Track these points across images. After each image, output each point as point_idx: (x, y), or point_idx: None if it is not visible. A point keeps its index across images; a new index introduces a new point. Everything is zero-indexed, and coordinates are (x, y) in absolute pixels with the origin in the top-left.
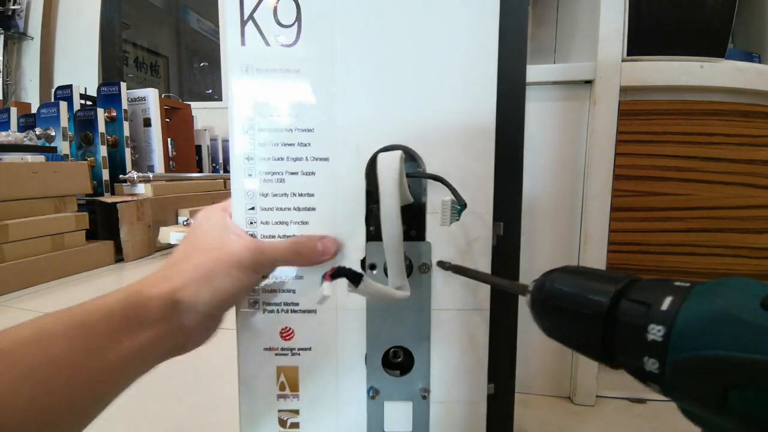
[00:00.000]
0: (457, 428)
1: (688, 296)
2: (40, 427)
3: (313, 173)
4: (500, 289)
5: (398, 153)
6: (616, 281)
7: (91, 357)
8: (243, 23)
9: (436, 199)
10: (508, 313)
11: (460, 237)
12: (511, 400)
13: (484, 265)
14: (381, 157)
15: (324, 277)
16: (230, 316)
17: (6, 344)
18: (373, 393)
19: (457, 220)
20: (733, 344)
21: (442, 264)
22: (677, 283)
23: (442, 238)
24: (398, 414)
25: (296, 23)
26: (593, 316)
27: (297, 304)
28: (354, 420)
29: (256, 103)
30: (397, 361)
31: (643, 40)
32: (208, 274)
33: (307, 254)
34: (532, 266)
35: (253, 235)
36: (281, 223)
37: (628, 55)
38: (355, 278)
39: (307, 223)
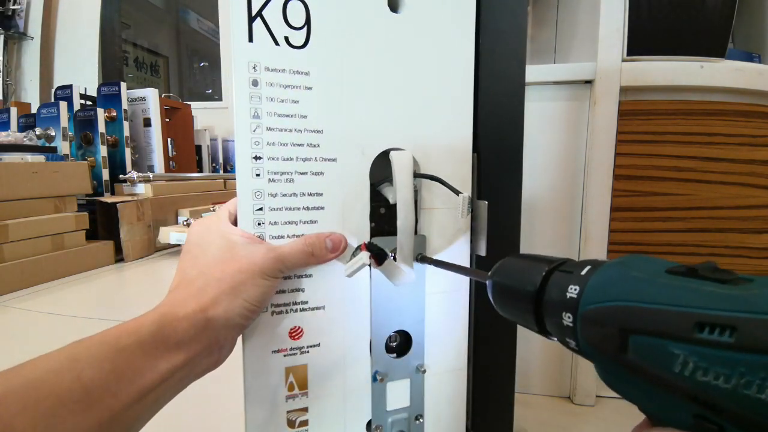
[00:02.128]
0: (445, 394)
1: (603, 265)
2: None
3: (322, 173)
4: (469, 277)
5: (409, 152)
6: (550, 261)
7: (125, 383)
8: (251, 19)
9: (428, 197)
10: None
11: (447, 228)
12: (511, 399)
13: (465, 250)
14: (395, 154)
15: (359, 248)
16: None
17: (38, 374)
18: (380, 377)
19: (470, 212)
20: (636, 297)
21: (424, 259)
22: (600, 260)
23: (433, 231)
24: (397, 392)
25: (306, 26)
26: (529, 291)
27: (306, 303)
28: (359, 405)
29: (264, 101)
30: (392, 345)
31: (643, 40)
32: (235, 287)
33: (318, 253)
34: None
35: (260, 237)
36: (290, 222)
37: (628, 55)
38: (381, 256)
39: (315, 222)
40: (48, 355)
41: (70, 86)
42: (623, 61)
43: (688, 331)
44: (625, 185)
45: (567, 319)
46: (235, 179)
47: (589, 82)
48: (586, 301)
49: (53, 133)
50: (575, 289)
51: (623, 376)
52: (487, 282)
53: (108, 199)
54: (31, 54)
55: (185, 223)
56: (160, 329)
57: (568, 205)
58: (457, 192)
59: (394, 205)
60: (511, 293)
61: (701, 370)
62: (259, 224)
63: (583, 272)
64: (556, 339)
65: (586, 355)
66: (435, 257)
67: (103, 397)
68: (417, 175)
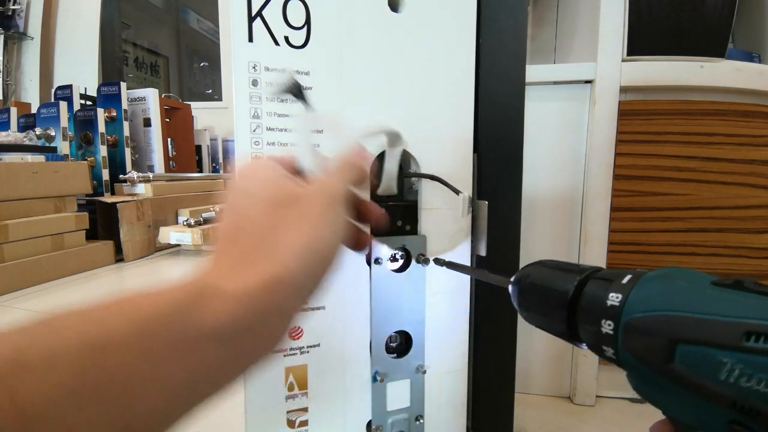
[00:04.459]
0: (445, 394)
1: (647, 274)
2: None
3: None
4: (487, 281)
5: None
6: (581, 271)
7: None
8: (251, 19)
9: (428, 197)
10: (508, 314)
11: (447, 228)
12: (511, 399)
13: (466, 250)
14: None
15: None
16: None
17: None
18: (380, 377)
19: (470, 212)
20: (684, 307)
21: (438, 261)
22: (637, 270)
23: (434, 231)
24: (397, 392)
25: (306, 26)
26: (562, 298)
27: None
28: (359, 405)
29: (264, 101)
30: (393, 345)
31: (643, 40)
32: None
33: (365, 179)
34: None
35: None
36: None
37: (628, 55)
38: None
39: None
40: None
41: (70, 86)
42: (623, 61)
43: (737, 339)
44: (625, 185)
45: (607, 326)
46: None
47: (589, 82)
48: (631, 310)
49: (53, 133)
50: (617, 297)
51: (661, 384)
52: (510, 288)
53: (108, 199)
54: (31, 54)
55: (185, 223)
56: None
57: (568, 205)
58: (457, 191)
59: (395, 205)
60: (540, 300)
61: (746, 376)
62: None
63: (625, 281)
64: (586, 347)
65: (623, 364)
66: (436, 256)
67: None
68: (417, 175)
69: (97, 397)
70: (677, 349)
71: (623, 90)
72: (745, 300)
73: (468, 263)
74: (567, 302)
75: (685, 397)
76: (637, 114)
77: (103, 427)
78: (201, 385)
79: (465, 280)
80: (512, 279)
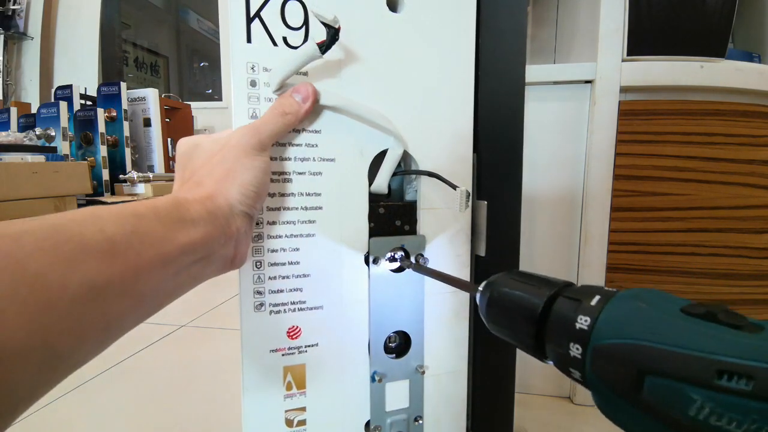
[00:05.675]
0: (445, 395)
1: (614, 296)
2: (90, 311)
3: (320, 173)
4: (454, 286)
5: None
6: (551, 285)
7: (147, 246)
8: (249, 20)
9: (428, 196)
10: None
11: (447, 228)
12: (511, 400)
13: (465, 250)
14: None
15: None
16: (235, 318)
17: (60, 221)
18: (379, 377)
19: (467, 206)
20: (655, 338)
21: (407, 264)
22: (606, 288)
23: (433, 231)
24: (396, 392)
25: (304, 26)
26: (530, 313)
27: (304, 302)
28: (358, 406)
29: (263, 102)
30: (392, 345)
31: (643, 40)
32: (227, 174)
33: (291, 109)
34: (532, 266)
35: (258, 237)
36: (288, 222)
37: (628, 55)
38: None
39: (314, 222)
40: (69, 211)
41: (70, 86)
42: (623, 61)
43: (709, 377)
44: (625, 185)
45: (575, 350)
46: None
47: (589, 82)
48: (600, 336)
49: (53, 133)
50: (586, 321)
51: (629, 411)
52: (477, 296)
53: (108, 199)
54: (31, 54)
55: None
56: (175, 207)
57: (568, 205)
58: (454, 186)
59: (394, 205)
60: (509, 312)
61: (716, 415)
62: (257, 224)
63: (593, 302)
64: (552, 363)
65: (590, 387)
66: (435, 257)
67: (126, 252)
68: (415, 172)
69: (143, 238)
70: (646, 379)
71: (623, 90)
72: (718, 334)
73: (467, 264)
74: (536, 319)
75: (653, 426)
76: (637, 114)
77: (149, 252)
78: (188, 255)
79: (466, 277)
80: (480, 288)
